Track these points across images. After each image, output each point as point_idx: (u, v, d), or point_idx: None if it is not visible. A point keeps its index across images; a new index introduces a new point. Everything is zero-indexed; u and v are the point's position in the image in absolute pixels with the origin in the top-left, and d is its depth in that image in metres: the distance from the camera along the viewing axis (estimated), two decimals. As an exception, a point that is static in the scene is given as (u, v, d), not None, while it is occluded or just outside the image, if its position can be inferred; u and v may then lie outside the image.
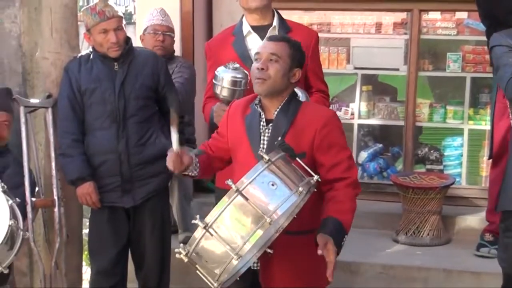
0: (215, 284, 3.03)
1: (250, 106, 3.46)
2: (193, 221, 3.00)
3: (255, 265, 3.37)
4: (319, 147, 3.30)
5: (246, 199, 2.94)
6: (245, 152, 3.40)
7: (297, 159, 3.13)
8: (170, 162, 3.29)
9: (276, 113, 3.37)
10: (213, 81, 4.03)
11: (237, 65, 3.97)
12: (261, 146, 3.36)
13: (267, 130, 3.38)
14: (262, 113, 3.40)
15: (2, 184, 3.37)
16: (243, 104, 3.51)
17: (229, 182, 2.94)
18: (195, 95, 5.36)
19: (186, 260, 3.02)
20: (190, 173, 3.40)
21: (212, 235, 2.94)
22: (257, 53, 3.38)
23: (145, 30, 5.41)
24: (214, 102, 4.07)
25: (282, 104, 3.37)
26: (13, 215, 3.34)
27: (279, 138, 3.21)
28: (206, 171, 3.51)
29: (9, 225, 3.29)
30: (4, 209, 3.31)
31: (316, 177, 3.07)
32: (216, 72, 4.01)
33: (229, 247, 2.94)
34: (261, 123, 3.40)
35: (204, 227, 2.94)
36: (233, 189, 2.93)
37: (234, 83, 3.91)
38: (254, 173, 2.99)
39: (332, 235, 3.10)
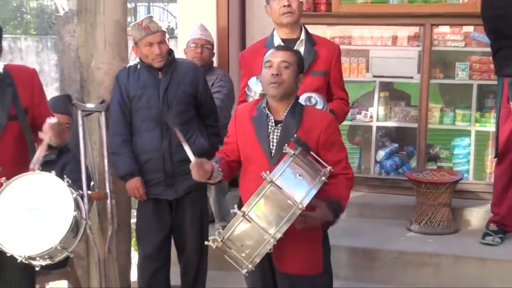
0: (250, 266, 3.06)
1: (256, 109, 3.46)
2: (231, 210, 3.03)
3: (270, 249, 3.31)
4: (324, 145, 3.33)
5: (280, 188, 2.97)
6: (255, 150, 3.40)
7: (312, 152, 3.16)
8: (194, 174, 3.30)
9: (285, 115, 3.38)
10: (246, 91, 4.05)
11: None
12: (271, 145, 3.37)
13: (276, 131, 3.38)
14: (270, 115, 3.39)
15: (67, 179, 3.36)
16: (249, 107, 3.53)
17: (264, 174, 2.98)
18: (233, 103, 5.29)
19: (214, 247, 3.05)
20: (215, 180, 3.41)
21: (249, 221, 2.99)
22: (268, 61, 3.39)
23: (187, 43, 5.40)
24: None
25: (289, 107, 3.38)
26: (77, 207, 3.32)
27: (295, 135, 3.20)
28: (228, 173, 3.52)
29: (74, 216, 3.28)
30: (69, 201, 3.29)
31: (329, 167, 3.12)
32: (249, 83, 4.03)
33: (265, 232, 2.99)
34: (270, 124, 3.39)
35: (242, 215, 2.98)
36: (267, 180, 2.97)
37: (264, 95, 3.86)
38: (283, 166, 3.04)
39: (333, 211, 3.23)
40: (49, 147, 3.57)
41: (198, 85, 4.37)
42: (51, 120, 3.40)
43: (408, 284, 4.85)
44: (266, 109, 3.40)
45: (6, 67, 3.52)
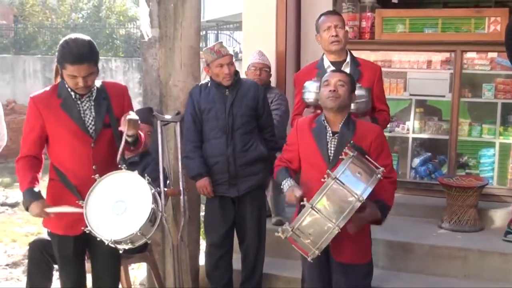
0: (317, 252, 3.11)
1: (315, 121, 3.53)
2: (302, 203, 3.09)
3: None
4: (374, 152, 3.37)
5: (342, 184, 3.03)
6: (315, 156, 3.45)
7: (366, 155, 3.21)
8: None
9: (340, 126, 3.43)
10: (302, 90, 4.09)
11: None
12: (329, 152, 3.43)
13: (333, 140, 3.43)
14: (328, 127, 3.44)
15: (147, 177, 3.41)
16: (308, 120, 3.59)
17: (329, 171, 3.06)
18: (289, 118, 5.25)
19: (284, 237, 3.12)
20: None
21: (317, 212, 3.03)
22: (325, 81, 3.49)
23: (248, 67, 5.44)
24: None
25: (344, 119, 3.44)
26: (154, 200, 3.37)
27: (351, 141, 3.27)
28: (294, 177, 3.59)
29: (152, 208, 3.32)
30: (148, 195, 3.35)
31: (381, 168, 3.15)
32: (304, 84, 4.08)
33: (330, 221, 3.03)
34: (328, 134, 3.44)
35: (311, 207, 3.03)
36: (332, 176, 3.04)
37: (319, 88, 3.90)
38: (344, 166, 3.10)
39: (381, 211, 3.29)
40: (132, 145, 3.60)
41: (259, 100, 4.40)
42: (127, 115, 3.45)
43: (439, 274, 4.78)
44: (325, 121, 3.47)
45: (103, 84, 3.61)
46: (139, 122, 3.49)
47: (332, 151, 3.42)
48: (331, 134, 3.44)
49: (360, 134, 3.40)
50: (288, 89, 5.91)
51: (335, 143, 3.41)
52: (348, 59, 4.22)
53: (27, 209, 3.43)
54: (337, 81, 3.43)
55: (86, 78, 3.37)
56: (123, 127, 3.41)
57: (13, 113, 13.54)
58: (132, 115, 3.42)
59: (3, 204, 9.05)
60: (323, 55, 4.29)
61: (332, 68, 4.11)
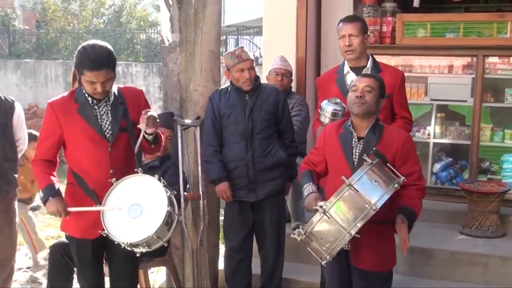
0: (328, 257, 3.11)
1: (342, 127, 3.51)
2: (314, 207, 3.12)
3: (346, 246, 3.35)
4: (400, 159, 3.35)
5: (357, 191, 3.04)
6: (340, 161, 3.45)
7: (388, 164, 3.20)
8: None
9: (366, 131, 3.42)
10: (319, 111, 4.09)
11: (338, 100, 4.02)
12: (354, 157, 3.42)
13: (358, 145, 3.42)
14: (354, 132, 3.44)
15: (163, 180, 3.46)
16: (336, 125, 3.58)
17: (344, 178, 3.06)
18: (309, 124, 5.26)
19: (299, 239, 3.12)
20: None
21: (329, 218, 3.05)
22: (353, 86, 3.46)
23: (269, 71, 5.45)
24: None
25: (371, 125, 3.42)
26: (170, 203, 3.40)
27: (374, 148, 3.27)
28: (318, 182, 3.62)
29: (167, 211, 3.36)
30: (164, 198, 3.38)
31: (402, 178, 3.15)
32: (321, 104, 4.07)
33: (342, 228, 3.04)
34: (353, 139, 3.43)
35: (323, 212, 3.05)
36: (346, 183, 3.05)
37: (334, 114, 3.95)
38: (361, 172, 3.10)
39: (407, 218, 3.23)
40: (153, 143, 3.64)
41: (279, 105, 4.40)
42: (147, 111, 3.51)
43: (460, 280, 4.76)
44: (351, 127, 3.46)
45: (119, 89, 3.67)
46: (159, 121, 3.54)
47: (357, 157, 3.40)
48: (356, 140, 3.44)
49: (386, 141, 3.38)
50: (308, 94, 5.92)
51: (360, 148, 3.41)
52: (368, 64, 4.21)
53: (44, 203, 3.51)
54: (364, 86, 3.40)
55: (104, 84, 3.43)
56: (142, 125, 3.46)
57: (34, 117, 13.70)
58: (151, 113, 3.47)
59: (25, 208, 9.12)
60: (344, 60, 4.29)
61: (352, 73, 4.14)
